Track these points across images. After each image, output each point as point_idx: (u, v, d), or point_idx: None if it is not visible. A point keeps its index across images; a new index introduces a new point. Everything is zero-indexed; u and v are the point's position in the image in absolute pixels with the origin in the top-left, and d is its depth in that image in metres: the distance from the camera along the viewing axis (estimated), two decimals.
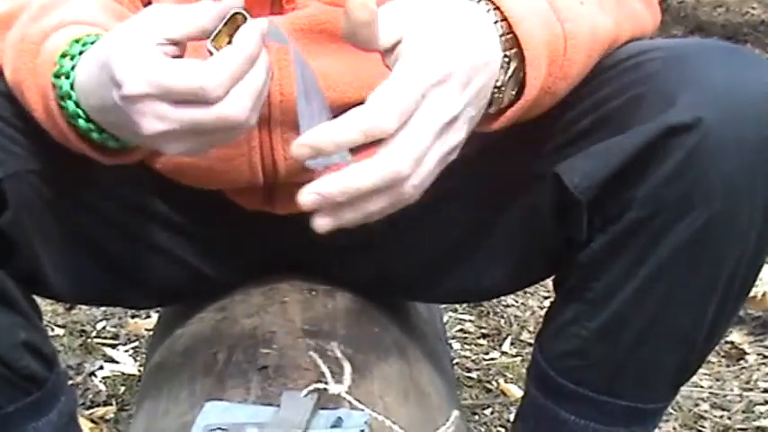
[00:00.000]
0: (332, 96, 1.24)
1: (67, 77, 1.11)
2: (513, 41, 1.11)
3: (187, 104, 1.02)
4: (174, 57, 1.05)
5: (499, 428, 2.15)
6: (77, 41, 1.12)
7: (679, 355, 1.29)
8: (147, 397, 1.40)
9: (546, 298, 2.72)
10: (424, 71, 1.02)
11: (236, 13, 1.04)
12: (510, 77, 1.11)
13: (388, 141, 1.01)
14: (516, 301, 2.73)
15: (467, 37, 1.06)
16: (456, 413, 1.23)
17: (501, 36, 1.10)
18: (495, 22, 1.10)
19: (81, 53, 1.11)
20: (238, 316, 1.40)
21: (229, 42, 1.03)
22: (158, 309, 2.32)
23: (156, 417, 1.29)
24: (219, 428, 1.11)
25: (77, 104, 1.11)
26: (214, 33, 1.04)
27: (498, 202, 1.29)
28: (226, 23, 1.04)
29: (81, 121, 1.12)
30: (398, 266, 1.41)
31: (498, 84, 1.10)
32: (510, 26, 1.10)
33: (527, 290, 2.78)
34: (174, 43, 1.05)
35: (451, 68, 1.03)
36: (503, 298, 2.74)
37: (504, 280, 1.39)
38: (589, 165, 1.19)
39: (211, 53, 1.03)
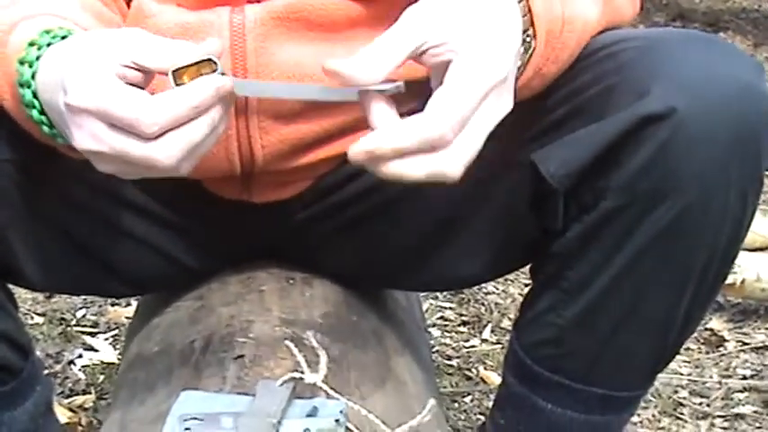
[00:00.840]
0: (309, 83, 1.23)
1: (30, 66, 1.09)
2: (528, 22, 1.12)
3: (122, 131, 1.01)
4: (133, 83, 1.04)
5: (479, 416, 2.15)
6: (47, 32, 1.11)
7: (655, 344, 1.29)
8: (123, 386, 1.40)
9: (527, 285, 2.69)
10: (482, 77, 1.02)
11: (209, 59, 1.04)
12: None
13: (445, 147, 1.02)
14: (497, 289, 2.73)
15: (507, 33, 1.06)
16: (432, 401, 1.23)
17: (523, 17, 1.11)
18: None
19: (49, 44, 1.10)
20: (215, 305, 1.40)
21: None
22: (137, 297, 2.33)
23: (132, 406, 1.28)
24: (194, 418, 1.10)
25: (35, 95, 1.10)
26: (180, 66, 1.03)
27: (476, 191, 1.29)
28: (196, 63, 1.03)
29: (35, 112, 1.10)
30: (376, 254, 1.41)
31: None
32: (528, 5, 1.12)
33: (507, 277, 2.78)
34: (141, 70, 1.05)
35: (505, 71, 1.04)
36: (483, 285, 2.74)
37: (482, 268, 1.39)
38: (565, 153, 1.20)
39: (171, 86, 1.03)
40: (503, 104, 1.05)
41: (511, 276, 2.78)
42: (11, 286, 1.31)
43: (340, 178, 1.36)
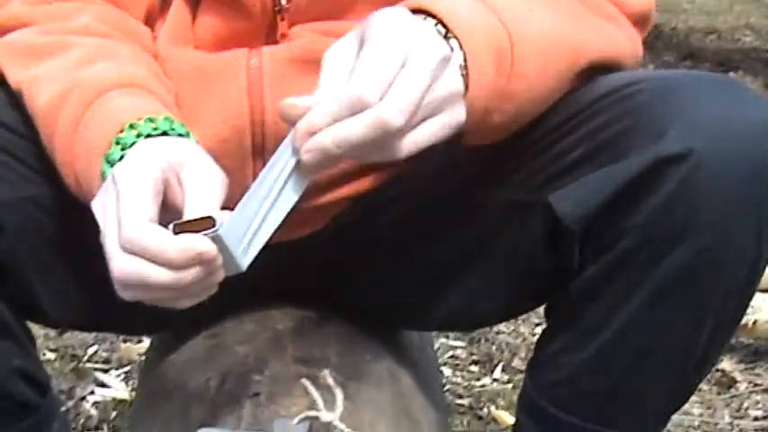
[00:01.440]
0: None
1: (111, 165, 1.12)
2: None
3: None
4: None
5: None
6: (133, 127, 1.13)
7: (670, 385, 1.29)
8: (138, 424, 1.40)
9: (537, 325, 2.72)
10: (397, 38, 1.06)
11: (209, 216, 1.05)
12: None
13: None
14: (508, 328, 2.73)
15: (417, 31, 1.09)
16: None
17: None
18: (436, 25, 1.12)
19: (133, 144, 1.12)
20: (230, 343, 1.40)
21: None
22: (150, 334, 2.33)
23: None
24: None
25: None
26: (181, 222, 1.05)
27: (490, 232, 1.29)
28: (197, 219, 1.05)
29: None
30: (391, 295, 1.41)
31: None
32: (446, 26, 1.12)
33: (518, 317, 2.78)
34: None
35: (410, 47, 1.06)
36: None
37: (495, 309, 1.39)
38: (581, 194, 1.20)
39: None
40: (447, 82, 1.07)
41: (522, 316, 2.76)
42: None
43: (356, 218, 1.36)
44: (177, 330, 1.50)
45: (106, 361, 2.49)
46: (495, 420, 2.30)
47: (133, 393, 2.23)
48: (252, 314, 1.46)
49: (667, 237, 1.17)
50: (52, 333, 2.54)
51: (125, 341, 2.55)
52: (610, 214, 1.19)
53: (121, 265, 1.04)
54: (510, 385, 2.45)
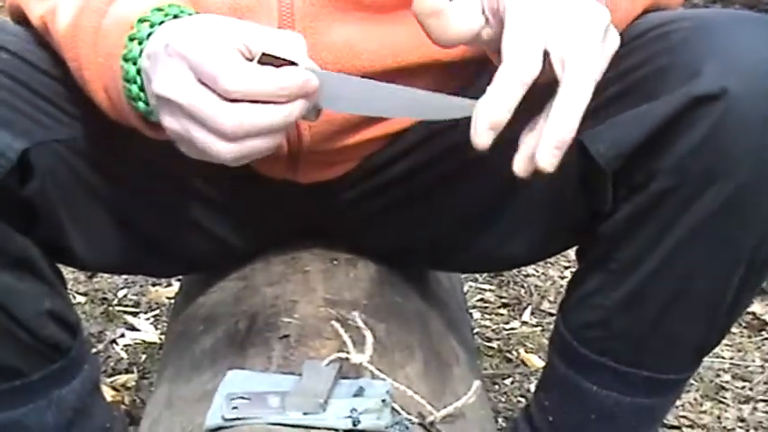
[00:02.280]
0: (357, 65, 1.23)
1: (140, 43, 1.07)
2: None
3: (204, 86, 1.00)
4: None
5: (519, 398, 2.15)
6: (159, 10, 1.09)
7: (702, 327, 1.28)
8: (168, 365, 1.40)
9: (566, 268, 2.72)
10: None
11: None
12: None
13: None
14: (537, 271, 2.72)
15: None
16: (477, 383, 1.22)
17: None
18: None
19: (161, 23, 1.08)
20: (260, 285, 1.40)
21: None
22: (180, 277, 2.34)
23: (177, 385, 1.29)
24: (241, 397, 1.11)
25: (138, 72, 1.08)
26: (270, 54, 1.02)
27: None
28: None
29: (134, 87, 1.08)
30: (421, 235, 1.40)
31: None
32: None
33: (547, 260, 2.77)
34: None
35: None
36: (523, 268, 2.73)
37: (527, 249, 1.38)
38: (615, 134, 1.18)
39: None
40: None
41: (551, 259, 2.76)
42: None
43: (386, 159, 1.35)
44: (207, 273, 1.50)
45: (136, 304, 2.50)
46: (524, 363, 2.30)
47: (162, 337, 2.24)
48: (280, 256, 1.45)
49: (701, 177, 1.15)
50: (82, 277, 2.55)
51: (154, 285, 2.56)
52: (644, 154, 1.17)
53: (234, 117, 0.99)
54: (539, 328, 2.45)
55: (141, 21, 1.08)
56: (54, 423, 1.33)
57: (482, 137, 0.99)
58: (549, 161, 0.98)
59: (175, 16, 1.09)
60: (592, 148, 1.20)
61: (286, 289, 1.37)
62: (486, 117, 0.98)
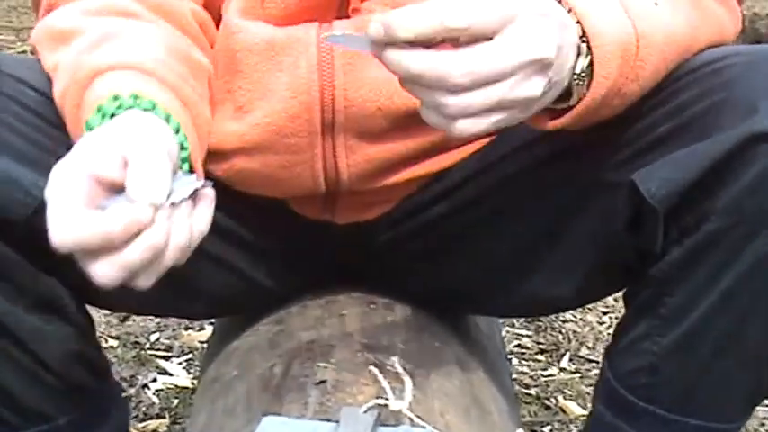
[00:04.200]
0: (398, 102, 1.20)
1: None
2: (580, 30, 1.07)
3: None
4: None
5: None
6: (116, 98, 1.07)
7: (755, 374, 1.24)
8: (201, 410, 1.37)
9: (605, 314, 2.68)
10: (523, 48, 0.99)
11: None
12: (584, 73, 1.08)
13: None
14: (575, 317, 2.69)
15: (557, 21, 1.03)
16: (520, 431, 1.18)
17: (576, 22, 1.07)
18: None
19: (112, 115, 1.05)
20: (295, 329, 1.36)
21: None
22: (213, 321, 2.31)
23: (211, 431, 1.25)
24: None
25: None
26: None
27: (569, 212, 1.25)
28: None
29: None
30: (462, 278, 1.37)
31: (578, 70, 1.06)
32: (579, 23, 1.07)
33: (585, 306, 2.74)
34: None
35: (548, 53, 1.00)
36: (560, 314, 2.70)
37: (574, 291, 1.34)
38: (667, 173, 1.15)
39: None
40: (530, 86, 1.00)
41: (589, 305, 2.73)
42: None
43: (425, 200, 1.32)
44: (240, 315, 1.47)
45: (168, 348, 2.47)
46: (562, 410, 2.26)
47: (195, 381, 2.21)
48: (316, 300, 1.42)
49: (756, 218, 1.11)
50: (114, 320, 2.54)
51: (187, 329, 2.54)
52: (697, 194, 1.13)
53: (103, 269, 0.97)
54: (577, 375, 2.41)
55: (98, 110, 1.06)
56: None
57: (374, 26, 0.98)
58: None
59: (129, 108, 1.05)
60: (643, 188, 1.16)
61: (322, 333, 1.33)
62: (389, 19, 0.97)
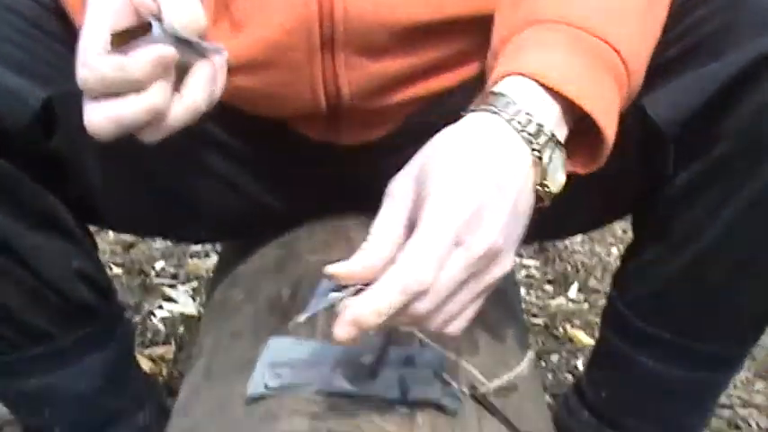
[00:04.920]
0: (400, 15, 1.17)
1: None
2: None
3: None
4: None
5: (566, 374, 2.10)
6: None
7: (762, 301, 1.22)
8: (208, 334, 1.36)
9: (612, 245, 2.67)
10: (452, 211, 0.93)
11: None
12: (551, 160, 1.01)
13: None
14: (583, 248, 2.68)
15: (489, 159, 0.96)
16: (531, 354, 1.17)
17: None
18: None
19: None
20: (303, 252, 1.35)
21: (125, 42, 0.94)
22: (217, 248, 2.30)
23: (217, 354, 1.24)
24: (285, 365, 1.06)
25: None
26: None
27: None
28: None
29: None
30: None
31: (541, 180, 1.01)
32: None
33: (593, 236, 2.73)
34: None
35: (480, 200, 0.94)
36: (568, 244, 2.69)
37: (583, 216, 1.33)
38: (677, 96, 1.12)
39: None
40: (487, 234, 0.94)
41: (597, 235, 2.72)
42: None
43: (430, 119, 1.30)
44: (244, 239, 1.46)
45: (174, 276, 2.46)
46: (570, 340, 2.25)
47: (201, 309, 2.20)
48: (323, 224, 1.41)
49: (766, 142, 1.09)
50: (119, 249, 2.53)
51: (192, 257, 2.54)
52: (707, 117, 1.11)
53: (91, 119, 0.95)
54: (586, 305, 2.40)
55: None
56: (87, 389, 1.30)
57: (342, 331, 0.93)
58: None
59: None
60: (652, 112, 1.14)
61: (330, 257, 1.32)
62: (353, 315, 0.92)
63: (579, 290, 2.48)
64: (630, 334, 1.31)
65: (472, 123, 0.99)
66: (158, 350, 2.11)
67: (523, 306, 2.34)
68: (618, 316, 1.32)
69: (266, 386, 1.04)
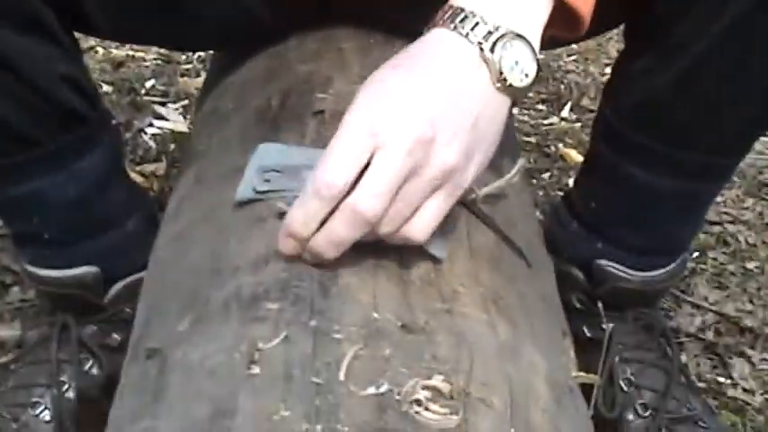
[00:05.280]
0: None
1: None
2: None
3: None
4: None
5: (558, 192, 2.10)
6: None
7: (754, 108, 1.22)
8: (196, 144, 1.35)
9: (607, 65, 2.64)
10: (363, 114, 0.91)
11: None
12: None
13: None
14: (576, 68, 2.66)
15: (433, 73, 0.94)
16: (522, 161, 1.17)
17: None
18: None
19: None
20: (293, 62, 1.33)
21: None
22: (207, 66, 2.27)
23: (207, 162, 1.24)
24: (274, 170, 1.06)
25: None
26: None
27: None
28: None
29: None
30: None
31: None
32: None
33: (587, 56, 2.70)
34: None
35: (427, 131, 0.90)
36: (562, 64, 2.67)
37: None
38: None
39: None
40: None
41: (591, 56, 2.70)
42: None
43: None
44: (235, 48, 1.44)
45: (164, 94, 2.45)
46: (562, 158, 2.25)
47: (191, 126, 2.19)
48: (313, 34, 1.38)
49: None
50: (108, 66, 2.51)
51: (182, 75, 2.51)
52: None
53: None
54: (579, 124, 2.39)
55: None
56: (75, 195, 1.29)
57: (283, 245, 0.93)
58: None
59: None
60: None
61: (320, 66, 1.30)
62: (285, 228, 0.92)
63: (572, 109, 2.46)
64: (619, 143, 1.30)
65: (418, 44, 0.98)
66: (149, 167, 2.11)
67: (516, 125, 2.34)
68: (607, 126, 1.32)
69: (255, 190, 1.04)
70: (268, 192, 1.03)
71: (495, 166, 1.24)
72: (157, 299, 1.07)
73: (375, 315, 0.88)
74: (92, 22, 1.24)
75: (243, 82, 1.37)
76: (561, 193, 2.05)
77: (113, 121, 1.39)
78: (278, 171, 1.06)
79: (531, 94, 2.52)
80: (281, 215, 0.96)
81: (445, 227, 0.97)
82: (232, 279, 0.94)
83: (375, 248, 0.94)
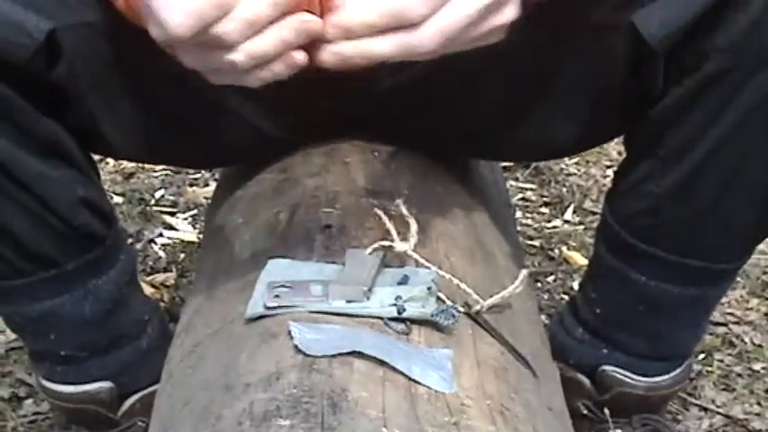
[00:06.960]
0: None
1: None
2: None
3: None
4: None
5: (563, 296, 2.12)
6: None
7: (755, 213, 1.25)
8: (207, 258, 1.38)
9: (608, 167, 2.67)
10: None
11: None
12: None
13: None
14: (578, 170, 2.68)
15: None
16: (524, 272, 1.19)
17: None
18: None
19: None
20: (300, 176, 1.37)
21: None
22: (215, 176, 2.31)
23: (217, 277, 1.26)
24: (283, 286, 1.08)
25: None
26: None
27: (569, 54, 1.24)
28: None
29: None
30: (462, 122, 1.37)
31: None
32: None
33: (589, 159, 2.73)
34: None
35: None
36: (564, 167, 2.69)
37: (573, 136, 1.34)
38: (667, 13, 1.14)
39: None
40: None
41: (593, 158, 2.73)
42: None
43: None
44: (243, 165, 1.47)
45: (173, 204, 2.48)
46: (566, 261, 2.27)
47: (201, 236, 2.22)
48: (320, 148, 1.42)
49: (756, 57, 1.11)
50: (119, 177, 2.54)
51: (192, 185, 2.54)
52: (697, 34, 1.13)
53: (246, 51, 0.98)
54: (581, 227, 2.41)
55: None
56: (91, 313, 1.32)
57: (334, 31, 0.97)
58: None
59: None
60: (642, 29, 1.15)
61: (327, 180, 1.34)
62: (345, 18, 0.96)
63: (575, 212, 2.49)
64: (623, 251, 1.33)
65: None
66: (159, 277, 2.13)
67: (519, 229, 2.36)
68: (611, 233, 1.34)
69: (265, 306, 1.06)
70: (277, 308, 1.06)
71: (499, 278, 1.26)
72: (170, 415, 1.08)
73: (384, 430, 0.90)
74: (106, 144, 1.28)
75: (251, 197, 1.40)
76: (566, 297, 2.08)
77: (127, 240, 1.42)
78: (287, 287, 1.08)
79: (533, 198, 2.55)
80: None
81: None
82: (243, 395, 0.96)
83: (382, 363, 0.96)
